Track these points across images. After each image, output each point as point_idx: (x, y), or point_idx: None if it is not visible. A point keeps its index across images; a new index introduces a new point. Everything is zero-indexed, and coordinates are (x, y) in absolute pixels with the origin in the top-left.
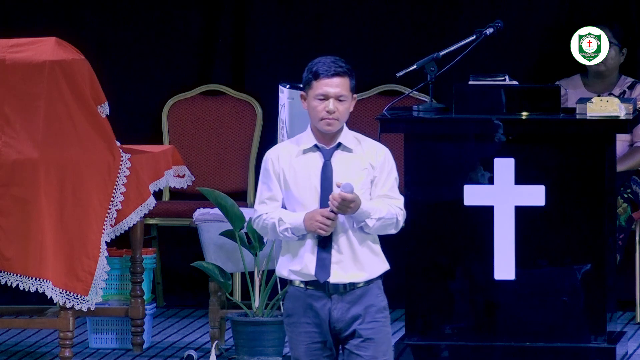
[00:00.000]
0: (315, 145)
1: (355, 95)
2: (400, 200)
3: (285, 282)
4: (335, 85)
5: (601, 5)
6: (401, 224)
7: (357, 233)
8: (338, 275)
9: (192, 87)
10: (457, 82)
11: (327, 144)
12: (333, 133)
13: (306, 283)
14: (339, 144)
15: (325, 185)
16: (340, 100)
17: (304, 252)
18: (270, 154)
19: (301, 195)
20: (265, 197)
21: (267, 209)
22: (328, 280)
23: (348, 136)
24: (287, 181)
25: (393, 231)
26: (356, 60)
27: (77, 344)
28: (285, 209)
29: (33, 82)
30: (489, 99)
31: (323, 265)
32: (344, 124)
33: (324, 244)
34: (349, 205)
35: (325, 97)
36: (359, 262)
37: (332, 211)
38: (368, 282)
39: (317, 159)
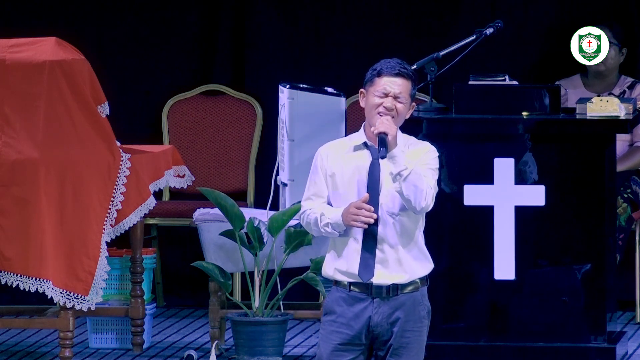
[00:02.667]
0: (365, 143)
1: (413, 103)
2: (432, 181)
3: (285, 281)
4: (396, 85)
5: (601, 5)
6: (428, 199)
7: (400, 233)
8: (381, 276)
9: (192, 87)
10: (457, 82)
11: (377, 143)
12: None
13: (350, 284)
14: None
15: (372, 183)
16: (398, 100)
17: (349, 252)
18: (321, 150)
19: (347, 192)
20: (311, 193)
21: (311, 205)
22: (371, 280)
23: (400, 138)
24: (335, 178)
25: (420, 202)
26: (356, 61)
27: (77, 344)
28: (331, 205)
29: (33, 82)
30: (489, 99)
31: (367, 264)
32: (398, 128)
33: (368, 243)
34: (389, 120)
35: (385, 95)
36: (403, 263)
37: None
38: (412, 290)
39: (365, 157)
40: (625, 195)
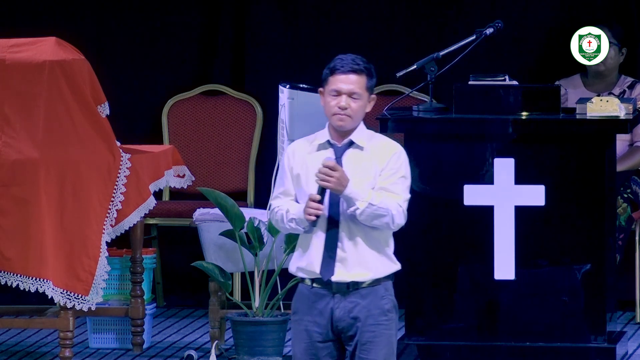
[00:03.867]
0: (328, 142)
1: (373, 96)
2: (400, 197)
3: (285, 281)
4: (349, 82)
5: (601, 5)
6: (397, 221)
7: (363, 232)
8: (341, 273)
9: (192, 87)
10: (457, 82)
11: (340, 141)
12: (347, 130)
13: (312, 281)
14: (351, 142)
15: None
16: (353, 98)
17: (311, 249)
18: (288, 149)
19: (311, 191)
20: (279, 192)
21: (279, 203)
22: (331, 278)
23: (362, 134)
24: (299, 176)
25: (389, 226)
26: None
27: (77, 344)
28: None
29: (33, 82)
30: (489, 99)
31: (327, 263)
32: (362, 123)
33: (330, 242)
34: (331, 175)
35: (339, 93)
36: (364, 262)
37: (319, 192)
38: (373, 283)
39: (328, 155)
40: (625, 195)
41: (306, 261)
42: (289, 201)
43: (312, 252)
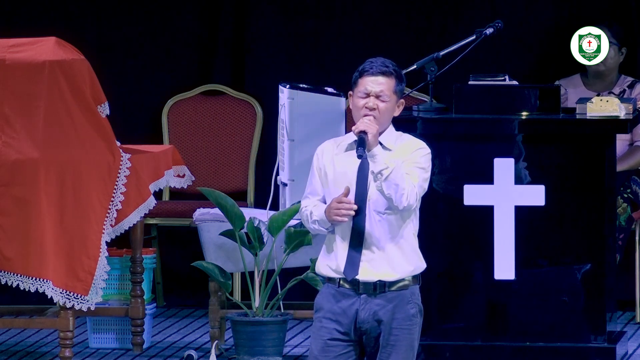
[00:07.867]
0: (355, 142)
1: (402, 100)
2: (418, 181)
3: (285, 281)
4: (377, 83)
5: (601, 5)
6: (411, 200)
7: (389, 230)
8: (367, 272)
9: (192, 87)
10: (457, 82)
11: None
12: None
13: (340, 280)
14: (379, 143)
15: (361, 182)
16: (381, 99)
17: (337, 249)
18: (318, 149)
19: (338, 190)
20: (308, 192)
21: (307, 203)
22: (357, 277)
23: (391, 136)
24: (327, 176)
25: (401, 200)
26: (356, 61)
27: (77, 344)
28: (326, 203)
29: (33, 82)
30: (489, 99)
31: (352, 262)
32: (391, 125)
33: (356, 241)
34: (370, 119)
35: (367, 95)
36: (391, 261)
37: (360, 131)
38: (401, 287)
39: (356, 156)
40: (625, 195)
41: (334, 261)
42: (316, 201)
43: (338, 251)
